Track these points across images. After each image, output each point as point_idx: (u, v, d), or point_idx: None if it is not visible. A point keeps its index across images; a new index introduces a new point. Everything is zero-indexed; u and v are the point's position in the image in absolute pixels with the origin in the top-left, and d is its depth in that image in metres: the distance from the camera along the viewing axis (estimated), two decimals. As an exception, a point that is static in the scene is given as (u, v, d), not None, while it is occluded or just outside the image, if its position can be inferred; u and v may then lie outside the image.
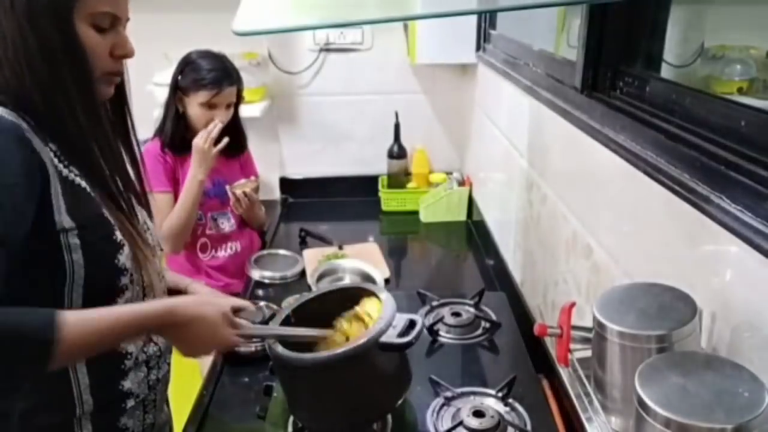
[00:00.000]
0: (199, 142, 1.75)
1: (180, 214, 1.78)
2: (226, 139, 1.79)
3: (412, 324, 1.06)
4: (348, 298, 1.18)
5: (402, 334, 1.04)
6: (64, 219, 0.87)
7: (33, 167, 0.84)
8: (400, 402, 1.11)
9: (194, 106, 1.78)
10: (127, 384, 1.02)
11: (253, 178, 1.97)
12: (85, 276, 0.91)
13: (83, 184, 0.92)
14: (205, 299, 1.05)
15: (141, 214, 1.06)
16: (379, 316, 1.07)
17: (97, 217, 0.93)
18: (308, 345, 1.11)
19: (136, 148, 1.09)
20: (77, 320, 0.84)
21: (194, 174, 1.77)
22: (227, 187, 1.88)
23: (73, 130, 0.90)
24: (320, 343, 1.11)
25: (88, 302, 0.92)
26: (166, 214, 1.79)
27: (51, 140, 0.88)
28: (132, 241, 0.97)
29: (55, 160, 0.88)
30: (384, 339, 1.03)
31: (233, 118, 1.87)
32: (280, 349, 1.05)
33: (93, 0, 0.88)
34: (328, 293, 1.24)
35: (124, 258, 0.95)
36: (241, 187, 1.87)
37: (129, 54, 0.97)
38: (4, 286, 0.80)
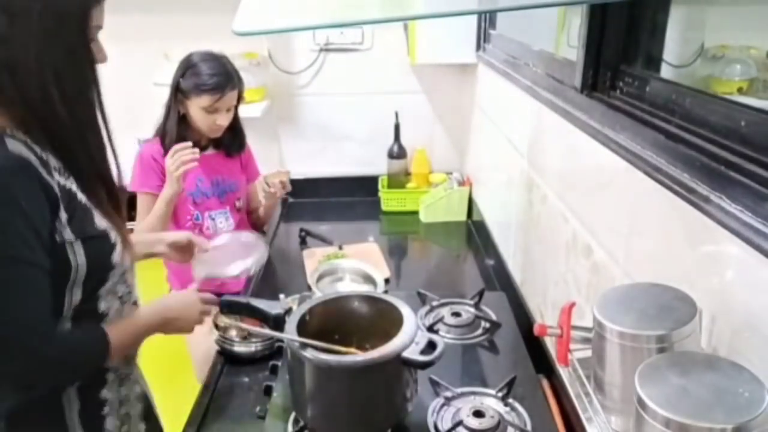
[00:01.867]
0: (168, 163, 1.71)
1: (151, 221, 1.77)
2: (194, 164, 1.73)
3: (431, 344, 1.07)
4: (369, 305, 1.21)
5: (423, 352, 1.05)
6: (67, 235, 0.96)
7: (42, 199, 0.92)
8: (405, 416, 1.11)
9: (196, 109, 1.78)
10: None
11: (284, 170, 2.01)
12: (86, 275, 1.00)
13: (79, 194, 1.00)
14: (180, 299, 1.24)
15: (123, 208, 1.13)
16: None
17: (93, 225, 1.01)
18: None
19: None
20: (116, 339, 1.04)
21: (165, 193, 1.74)
22: (261, 177, 1.86)
23: (90, 139, 1.00)
24: None
25: (84, 295, 1.02)
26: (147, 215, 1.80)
27: (56, 156, 0.96)
28: (122, 239, 1.07)
29: (60, 179, 0.96)
30: (406, 354, 1.03)
31: (232, 117, 1.87)
32: (299, 345, 1.06)
33: (96, 15, 0.96)
34: (347, 297, 1.24)
35: (116, 256, 1.05)
36: (275, 176, 1.89)
37: (105, 60, 1.03)
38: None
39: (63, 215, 0.95)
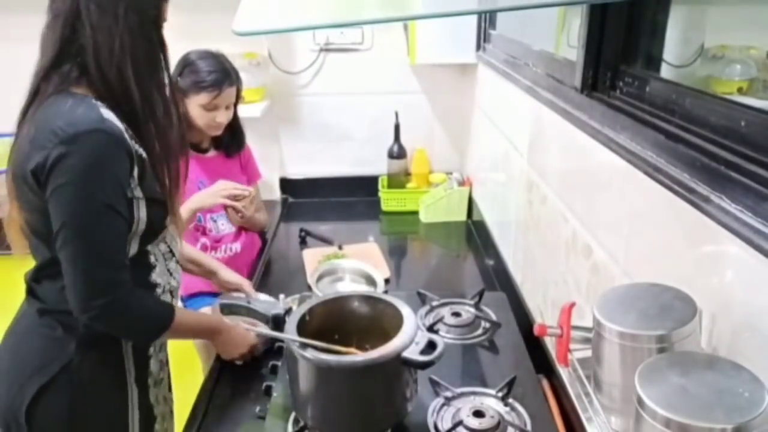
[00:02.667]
0: (229, 186, 1.76)
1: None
2: (237, 205, 1.80)
3: (431, 344, 1.07)
4: (369, 305, 1.21)
5: (423, 352, 1.05)
6: (136, 192, 1.11)
7: (126, 160, 1.08)
8: (405, 416, 1.11)
9: (194, 107, 1.78)
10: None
11: (249, 189, 1.95)
12: (143, 231, 1.14)
13: (144, 155, 1.13)
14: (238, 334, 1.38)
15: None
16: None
17: (155, 190, 1.16)
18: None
19: None
20: (179, 320, 1.19)
21: (195, 202, 1.74)
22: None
23: (159, 118, 1.14)
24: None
25: (138, 248, 1.16)
26: None
27: (131, 127, 1.11)
28: (174, 207, 1.22)
29: (136, 146, 1.11)
30: (406, 354, 1.03)
31: (232, 116, 1.87)
32: (299, 345, 1.06)
33: (165, 11, 1.15)
34: (347, 297, 1.24)
35: (168, 220, 1.21)
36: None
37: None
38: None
39: (136, 174, 1.10)
